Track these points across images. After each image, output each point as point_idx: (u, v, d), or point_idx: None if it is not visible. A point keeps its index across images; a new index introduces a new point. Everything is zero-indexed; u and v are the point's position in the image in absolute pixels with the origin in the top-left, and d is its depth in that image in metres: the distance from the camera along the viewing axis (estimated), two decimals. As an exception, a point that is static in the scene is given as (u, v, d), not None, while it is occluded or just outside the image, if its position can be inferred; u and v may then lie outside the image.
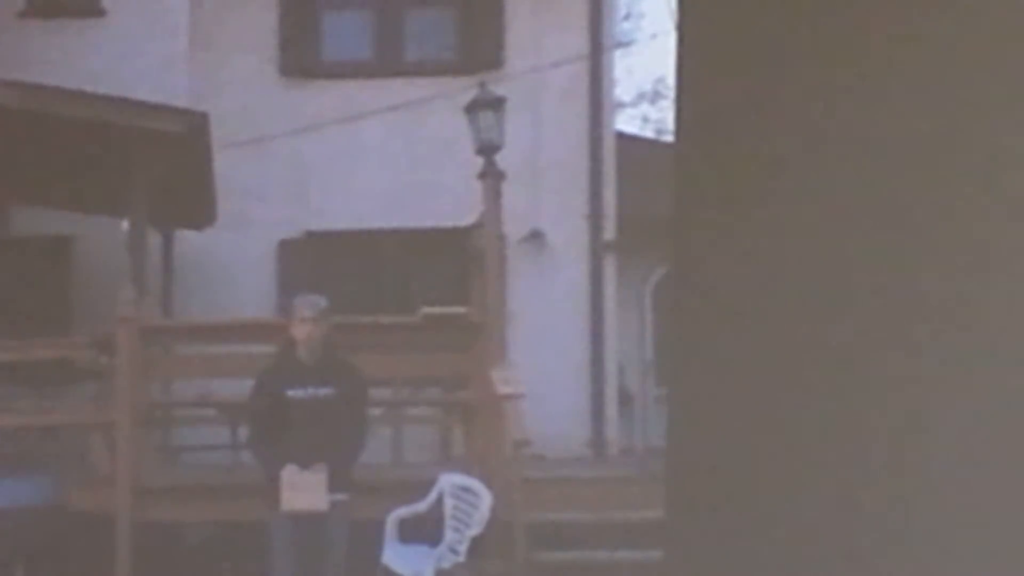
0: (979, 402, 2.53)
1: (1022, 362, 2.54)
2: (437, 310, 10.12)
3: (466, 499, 8.31)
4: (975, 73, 2.56)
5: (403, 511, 8.51)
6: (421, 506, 8.50)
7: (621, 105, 23.69)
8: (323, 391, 7.66)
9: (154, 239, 12.31)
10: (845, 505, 2.55)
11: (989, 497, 2.52)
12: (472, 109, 11.42)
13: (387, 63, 14.37)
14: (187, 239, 13.39)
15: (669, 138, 17.33)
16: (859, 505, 2.54)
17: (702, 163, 2.81)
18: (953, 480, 2.52)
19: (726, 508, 2.68)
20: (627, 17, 27.59)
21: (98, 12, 13.75)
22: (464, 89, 12.17)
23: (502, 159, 10.97)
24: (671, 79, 3.10)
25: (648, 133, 25.95)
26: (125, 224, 10.93)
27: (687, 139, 2.89)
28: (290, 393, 7.66)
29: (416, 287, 13.55)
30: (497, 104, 11.41)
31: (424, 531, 8.39)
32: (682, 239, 2.86)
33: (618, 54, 16.53)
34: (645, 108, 29.50)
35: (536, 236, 13.92)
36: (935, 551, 2.52)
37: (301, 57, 14.26)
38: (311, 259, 13.77)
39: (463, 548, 8.07)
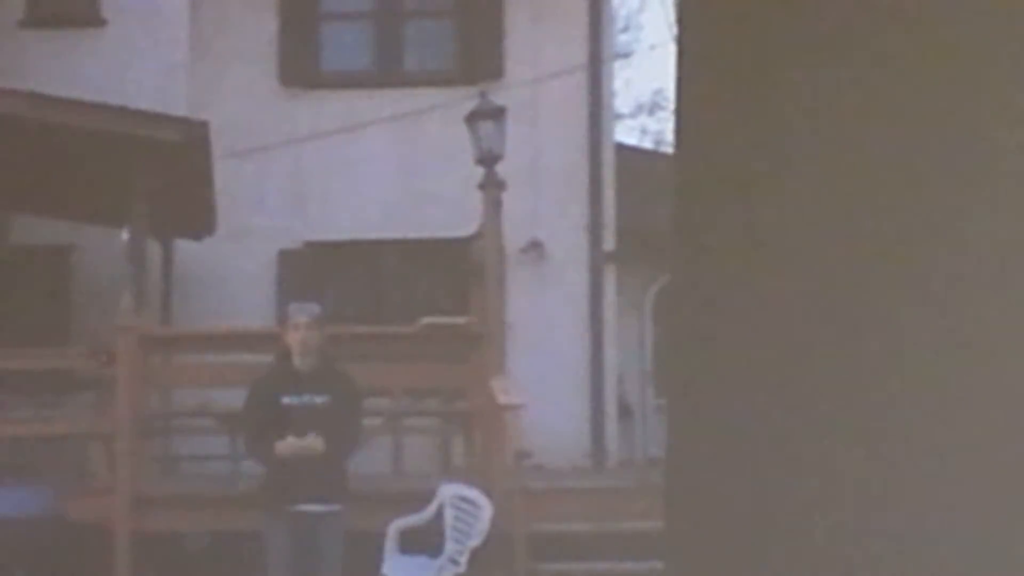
0: (984, 407, 2.53)
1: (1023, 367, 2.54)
2: (437, 320, 10.13)
3: (466, 510, 8.30)
4: (982, 78, 2.56)
5: (403, 522, 8.50)
6: (421, 517, 8.50)
7: (620, 116, 23.68)
8: (318, 399, 7.69)
9: (154, 249, 12.31)
10: (847, 515, 2.54)
11: (996, 502, 2.52)
12: (472, 119, 11.43)
13: (387, 73, 14.38)
14: (187, 249, 13.39)
15: (668, 149, 17.36)
16: (862, 515, 2.53)
17: (702, 173, 2.80)
18: (961, 487, 2.52)
19: (727, 519, 2.67)
20: (625, 29, 27.63)
21: (98, 22, 13.76)
22: (464, 99, 12.18)
23: (501, 169, 10.99)
24: (670, 91, 3.09)
25: (647, 144, 25.97)
26: (125, 233, 10.94)
27: (687, 149, 2.89)
28: (285, 401, 7.70)
29: (416, 297, 13.55)
30: (497, 114, 11.42)
31: (424, 542, 8.38)
32: (681, 248, 2.86)
33: (617, 66, 16.55)
34: (644, 119, 29.55)
35: (535, 246, 13.92)
36: (941, 561, 2.51)
37: (301, 67, 14.27)
38: (310, 269, 13.77)
39: (463, 559, 8.07)
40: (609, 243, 14.15)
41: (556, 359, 13.52)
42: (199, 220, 12.73)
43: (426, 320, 10.14)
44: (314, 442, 7.51)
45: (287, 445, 7.52)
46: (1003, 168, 2.55)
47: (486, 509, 8.16)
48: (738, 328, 2.68)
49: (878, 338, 2.54)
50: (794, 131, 2.63)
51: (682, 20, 2.95)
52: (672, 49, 3.00)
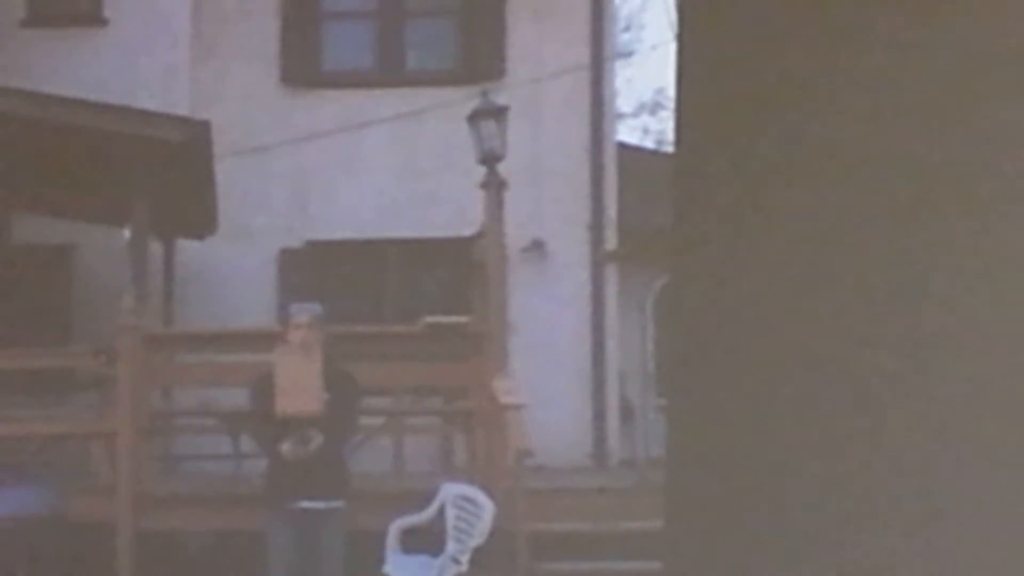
0: (988, 407, 2.52)
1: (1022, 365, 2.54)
2: (438, 320, 10.12)
3: (468, 509, 8.30)
4: (979, 76, 2.56)
5: (405, 521, 8.50)
6: (423, 516, 8.50)
7: (621, 116, 23.71)
8: None
9: (155, 248, 12.30)
10: (847, 516, 2.54)
11: (1001, 498, 2.52)
12: (474, 118, 11.41)
13: (388, 73, 14.37)
14: (188, 248, 13.39)
15: (669, 149, 17.37)
16: (863, 514, 2.53)
17: (702, 172, 2.80)
18: (965, 486, 2.51)
19: (726, 518, 2.67)
20: (627, 28, 27.64)
21: (100, 21, 13.77)
22: (465, 99, 12.17)
23: (502, 169, 10.97)
24: (671, 90, 3.10)
25: (648, 144, 25.98)
26: (126, 233, 10.93)
27: (687, 148, 2.88)
28: None
29: (417, 297, 13.54)
30: (499, 113, 11.40)
31: (426, 541, 8.38)
32: (681, 248, 2.86)
33: (618, 65, 16.55)
34: (645, 119, 29.57)
35: (537, 246, 13.91)
36: (945, 560, 2.51)
37: (302, 66, 14.26)
38: (312, 268, 13.77)
39: (465, 558, 8.06)
40: (611, 242, 14.14)
41: (558, 359, 13.52)
42: (201, 219, 12.72)
43: (428, 319, 10.12)
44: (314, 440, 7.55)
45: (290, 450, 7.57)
46: (1010, 167, 2.55)
47: (487, 508, 8.15)
48: (738, 328, 2.67)
49: (879, 338, 2.54)
50: (794, 130, 2.63)
51: (682, 19, 2.94)
52: (674, 48, 2.99)
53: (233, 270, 13.65)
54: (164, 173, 10.52)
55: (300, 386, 7.55)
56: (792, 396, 2.59)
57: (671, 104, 3.13)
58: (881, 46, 2.57)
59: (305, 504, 7.63)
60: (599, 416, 13.91)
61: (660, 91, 28.84)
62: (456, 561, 8.11)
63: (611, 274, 14.17)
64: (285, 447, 7.53)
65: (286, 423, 7.63)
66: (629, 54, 26.32)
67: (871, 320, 2.55)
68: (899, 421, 2.52)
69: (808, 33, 2.62)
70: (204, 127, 10.59)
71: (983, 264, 2.53)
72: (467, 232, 11.77)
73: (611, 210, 14.17)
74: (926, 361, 2.52)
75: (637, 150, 18.78)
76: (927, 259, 2.53)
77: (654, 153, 19.41)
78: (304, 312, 7.95)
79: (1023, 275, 2.54)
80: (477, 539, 8.09)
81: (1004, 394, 2.52)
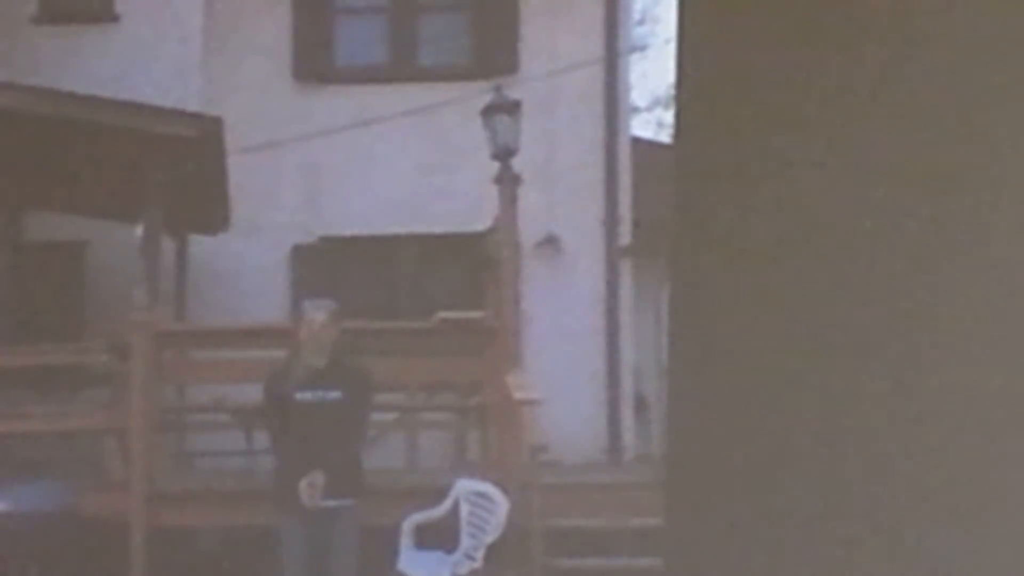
0: (989, 409, 2.50)
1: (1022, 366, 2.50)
2: (452, 315, 10.10)
3: (482, 505, 8.28)
4: (983, 75, 2.53)
5: (419, 517, 8.48)
6: (437, 512, 8.47)
7: (636, 110, 23.66)
8: (331, 394, 7.75)
9: (168, 244, 12.30)
10: (847, 512, 2.51)
11: (999, 501, 2.49)
12: (488, 113, 11.40)
13: (402, 68, 14.36)
14: (201, 244, 13.40)
15: (684, 143, 17.37)
16: (862, 511, 2.50)
17: (702, 170, 2.78)
18: (966, 488, 2.49)
19: (726, 515, 2.66)
20: (642, 22, 27.55)
21: (112, 17, 13.77)
22: (479, 93, 12.14)
23: (516, 164, 10.94)
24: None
25: (663, 138, 25.87)
26: (139, 229, 10.93)
27: (687, 146, 2.87)
28: (298, 395, 7.77)
29: (431, 292, 13.52)
30: (513, 108, 11.39)
31: (440, 537, 8.36)
32: (681, 247, 2.84)
33: (633, 59, 16.51)
34: (660, 113, 29.47)
35: (551, 241, 13.89)
36: (944, 561, 2.48)
37: (315, 62, 14.25)
38: (325, 264, 13.76)
39: (479, 554, 8.05)
40: (625, 237, 14.12)
41: (572, 354, 13.49)
42: (213, 215, 12.73)
43: (441, 315, 10.11)
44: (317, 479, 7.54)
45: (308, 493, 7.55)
46: (1012, 169, 2.51)
47: (502, 504, 8.13)
48: (738, 326, 2.66)
49: (880, 337, 2.51)
50: (795, 128, 2.61)
51: (681, 17, 2.91)
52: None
53: (246, 266, 13.66)
54: (176, 169, 10.52)
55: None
56: (792, 395, 2.58)
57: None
58: (883, 43, 2.54)
59: (317, 502, 7.62)
60: (613, 411, 13.89)
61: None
62: (470, 557, 8.09)
63: (625, 269, 14.15)
64: (301, 491, 7.52)
65: (298, 421, 7.64)
66: (643, 48, 26.25)
67: (873, 319, 2.52)
68: (900, 420, 2.50)
69: (809, 31, 2.60)
70: (216, 123, 10.58)
71: (988, 265, 2.50)
72: (480, 227, 11.75)
73: (625, 205, 14.15)
74: (928, 360, 2.50)
75: (651, 144, 18.70)
76: (931, 259, 2.51)
77: (669, 147, 19.31)
78: (317, 309, 7.98)
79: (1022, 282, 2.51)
80: (491, 535, 8.08)
81: (1007, 394, 2.49)
